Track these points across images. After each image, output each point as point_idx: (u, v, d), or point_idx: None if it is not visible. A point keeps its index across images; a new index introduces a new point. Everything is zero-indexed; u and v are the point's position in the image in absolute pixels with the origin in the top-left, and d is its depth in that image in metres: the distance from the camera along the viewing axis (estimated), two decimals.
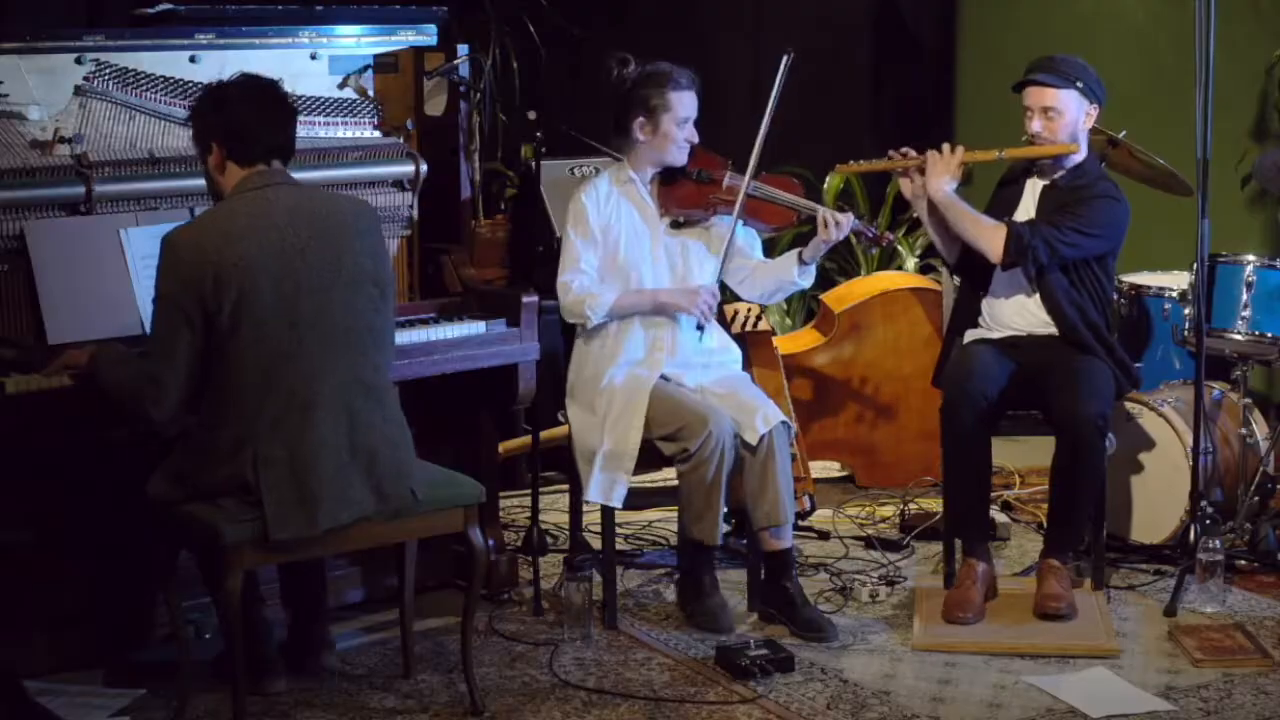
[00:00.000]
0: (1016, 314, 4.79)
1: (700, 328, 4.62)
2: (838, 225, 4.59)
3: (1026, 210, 4.78)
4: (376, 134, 4.75)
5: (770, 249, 4.90)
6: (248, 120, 3.81)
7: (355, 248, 3.81)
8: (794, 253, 4.69)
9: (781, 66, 4.62)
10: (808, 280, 4.73)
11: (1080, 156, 4.76)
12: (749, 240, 4.76)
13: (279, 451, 3.72)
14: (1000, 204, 4.85)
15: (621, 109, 4.63)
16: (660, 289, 4.63)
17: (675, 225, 4.69)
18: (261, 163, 3.82)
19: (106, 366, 3.80)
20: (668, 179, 4.69)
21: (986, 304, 4.84)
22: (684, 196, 4.67)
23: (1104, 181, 4.78)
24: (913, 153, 4.78)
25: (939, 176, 4.70)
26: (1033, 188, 4.82)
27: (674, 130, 4.60)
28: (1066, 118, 4.69)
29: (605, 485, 4.51)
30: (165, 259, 3.70)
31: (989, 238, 4.67)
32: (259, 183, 3.80)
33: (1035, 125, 4.71)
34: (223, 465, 3.74)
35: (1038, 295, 4.74)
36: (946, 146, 4.73)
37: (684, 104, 4.60)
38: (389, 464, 3.85)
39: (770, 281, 4.73)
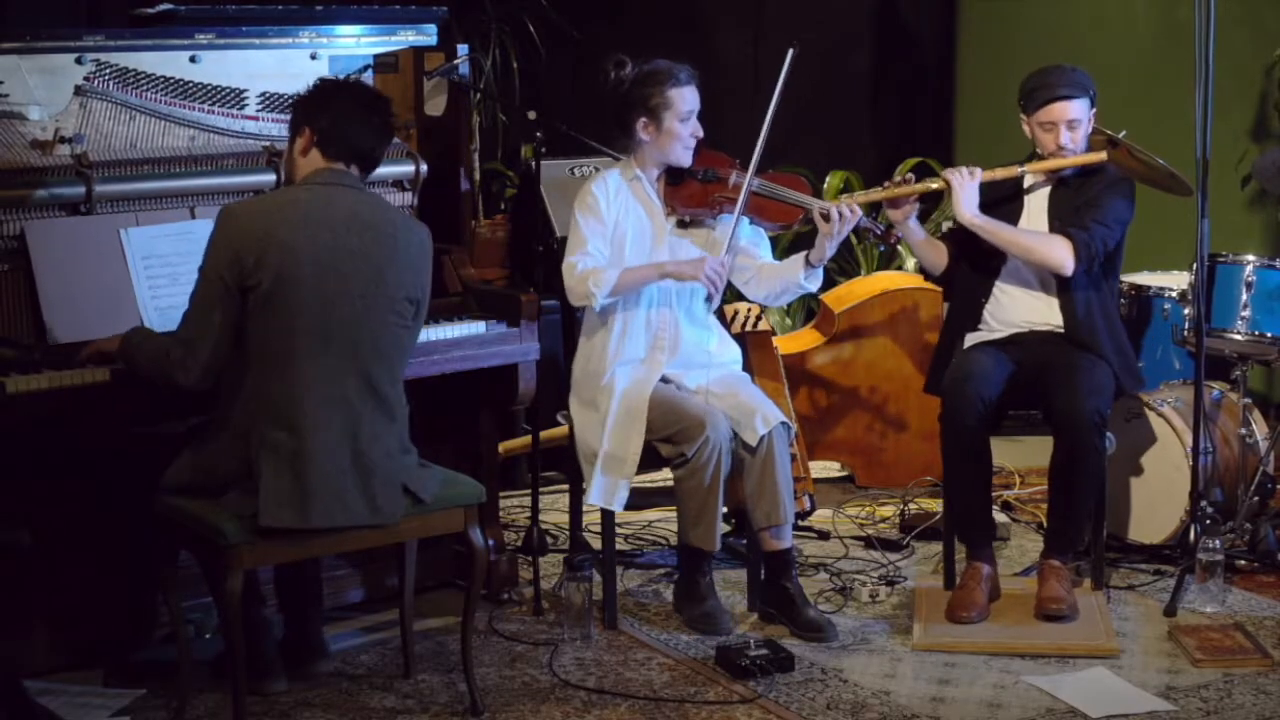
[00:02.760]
0: (1024, 310, 4.77)
1: (709, 299, 4.58)
2: (841, 218, 4.54)
3: (1036, 215, 4.76)
4: None
5: (773, 249, 4.88)
6: (347, 115, 3.88)
7: (400, 263, 3.85)
8: (801, 255, 4.66)
9: (786, 61, 4.58)
10: (814, 283, 4.68)
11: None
12: (755, 240, 4.73)
13: (284, 439, 3.73)
14: (998, 216, 4.80)
15: (623, 111, 4.60)
16: (666, 260, 4.61)
17: (681, 225, 4.67)
18: (342, 162, 3.88)
19: (136, 346, 3.85)
20: (674, 179, 4.67)
21: (991, 304, 4.83)
22: (689, 196, 4.65)
23: (1108, 168, 4.81)
24: (912, 176, 4.75)
25: (967, 200, 4.66)
26: (1037, 194, 4.80)
27: (678, 127, 4.57)
28: (1085, 126, 4.72)
29: (607, 490, 4.51)
30: (219, 229, 3.76)
31: (1051, 250, 4.63)
32: (329, 179, 3.85)
33: (1064, 138, 4.69)
34: (236, 444, 3.76)
35: (1042, 290, 4.74)
36: (964, 170, 4.70)
37: (685, 100, 4.57)
38: (387, 478, 3.85)
39: (776, 283, 4.69)
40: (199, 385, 3.79)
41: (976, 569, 4.63)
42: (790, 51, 4.58)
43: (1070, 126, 4.69)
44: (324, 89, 3.96)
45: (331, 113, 3.88)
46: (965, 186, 4.67)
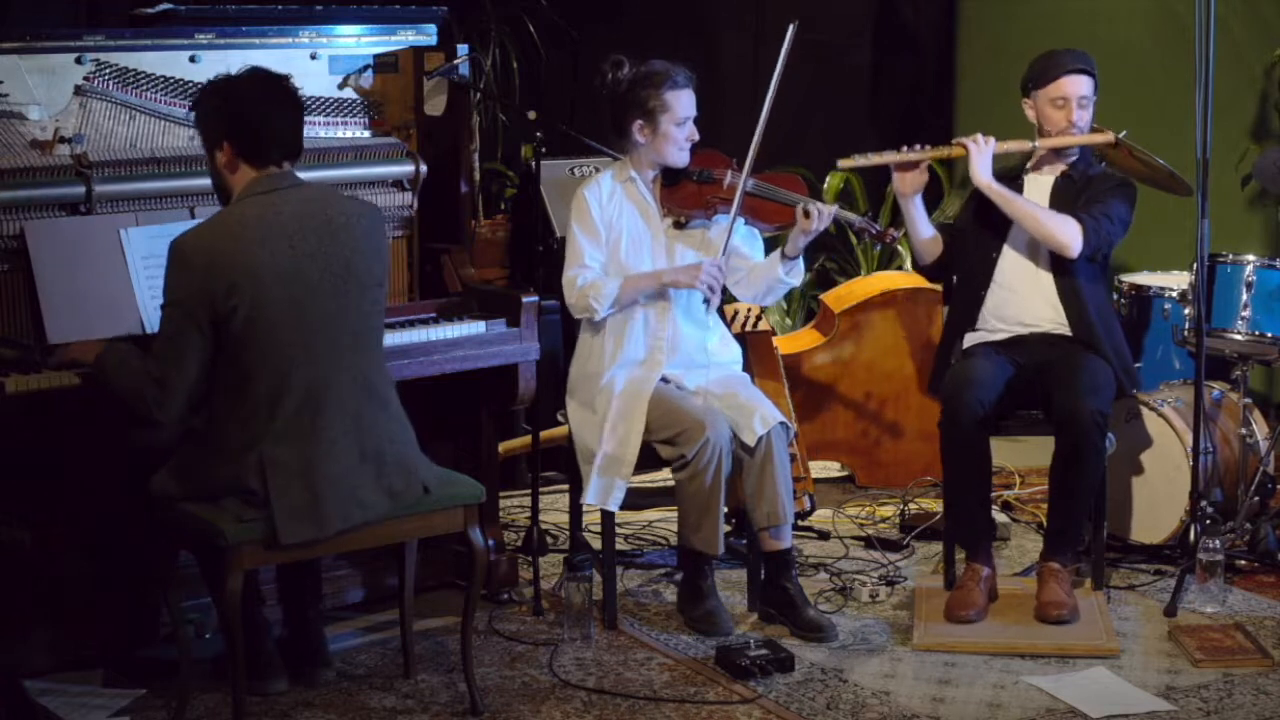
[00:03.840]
0: (1022, 308, 4.78)
1: (707, 301, 4.57)
2: (819, 215, 4.55)
3: (1038, 202, 4.77)
4: (376, 134, 4.75)
5: (771, 249, 4.87)
6: (261, 118, 3.77)
7: (363, 250, 3.82)
8: (777, 252, 4.65)
9: (787, 37, 4.56)
10: (796, 278, 4.69)
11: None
12: (749, 240, 4.74)
13: (288, 454, 3.72)
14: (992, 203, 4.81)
15: (619, 111, 4.60)
16: (663, 269, 4.61)
17: (677, 226, 4.68)
18: (273, 164, 3.80)
19: (113, 368, 3.78)
20: (670, 179, 4.67)
21: (990, 303, 4.83)
22: (685, 197, 4.65)
23: (1107, 167, 4.83)
24: (928, 147, 4.75)
25: (982, 165, 4.68)
26: (1035, 183, 4.81)
27: (673, 131, 4.57)
28: (1093, 106, 4.72)
29: (603, 490, 4.51)
30: (174, 264, 3.68)
31: (1062, 227, 4.64)
32: (268, 186, 3.77)
33: (1075, 115, 4.71)
34: (227, 465, 3.74)
35: (1041, 289, 4.74)
36: (980, 137, 4.70)
37: (682, 103, 4.57)
38: (396, 462, 3.86)
39: (761, 283, 4.70)
40: (180, 418, 3.74)
41: (975, 570, 4.63)
42: (790, 28, 4.56)
43: (1081, 104, 4.71)
44: (221, 93, 3.79)
45: (240, 119, 3.75)
46: (981, 152, 4.68)
